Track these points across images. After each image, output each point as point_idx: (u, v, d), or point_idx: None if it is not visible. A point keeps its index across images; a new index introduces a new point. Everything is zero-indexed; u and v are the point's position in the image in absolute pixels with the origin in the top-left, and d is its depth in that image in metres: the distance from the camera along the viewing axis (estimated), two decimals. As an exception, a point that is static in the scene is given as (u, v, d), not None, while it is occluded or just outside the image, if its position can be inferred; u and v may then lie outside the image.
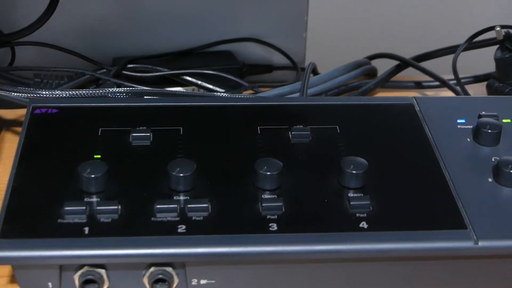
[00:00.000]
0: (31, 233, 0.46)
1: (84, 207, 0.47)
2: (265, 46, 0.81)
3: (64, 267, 0.47)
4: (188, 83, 0.74)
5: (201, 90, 0.74)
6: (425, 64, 0.78)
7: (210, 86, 0.73)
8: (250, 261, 0.48)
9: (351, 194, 0.50)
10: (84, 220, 0.47)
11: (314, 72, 0.79)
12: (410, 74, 0.80)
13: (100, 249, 0.46)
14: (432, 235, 0.48)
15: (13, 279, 0.51)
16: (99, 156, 0.52)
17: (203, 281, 0.49)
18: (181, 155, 0.52)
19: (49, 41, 0.75)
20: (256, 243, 0.47)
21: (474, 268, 0.50)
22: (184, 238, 0.47)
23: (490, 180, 0.52)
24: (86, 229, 0.47)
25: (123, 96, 0.64)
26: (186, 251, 0.46)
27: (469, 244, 0.48)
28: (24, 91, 0.62)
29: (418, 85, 0.80)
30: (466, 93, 0.74)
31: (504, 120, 0.58)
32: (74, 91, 0.63)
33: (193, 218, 0.48)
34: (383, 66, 0.81)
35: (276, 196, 0.50)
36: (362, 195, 0.50)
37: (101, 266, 0.47)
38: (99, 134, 0.54)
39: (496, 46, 0.74)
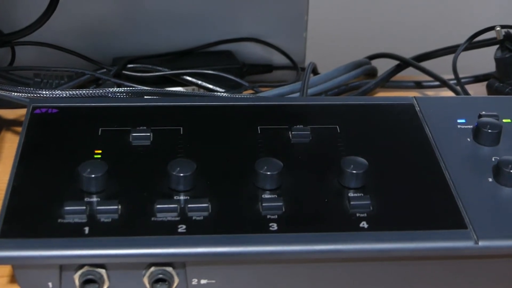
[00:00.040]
0: (31, 233, 0.46)
1: (84, 207, 0.47)
2: (265, 46, 0.81)
3: (64, 267, 0.47)
4: (188, 83, 0.74)
5: (201, 90, 0.74)
6: (425, 64, 0.78)
7: (210, 86, 0.73)
8: (250, 261, 0.48)
9: (351, 194, 0.50)
10: (84, 220, 0.47)
11: (314, 72, 0.79)
12: (410, 74, 0.80)
13: (100, 249, 0.46)
14: (432, 235, 0.48)
15: (13, 279, 0.51)
16: (99, 156, 0.52)
17: (203, 281, 0.49)
18: (181, 155, 0.52)
19: (49, 41, 0.75)
20: (256, 243, 0.47)
21: (474, 268, 0.50)
22: (184, 238, 0.47)
23: (490, 180, 0.52)
24: (86, 229, 0.47)
25: (123, 96, 0.64)
26: (186, 251, 0.46)
27: (469, 244, 0.48)
28: (24, 91, 0.62)
29: (418, 85, 0.80)
30: (466, 93, 0.74)
31: (504, 120, 0.58)
32: (74, 91, 0.63)
33: (193, 218, 0.48)
34: (383, 66, 0.81)
35: (276, 196, 0.50)
36: (362, 195, 0.50)
37: (101, 266, 0.47)
38: (99, 134, 0.54)
39: (496, 46, 0.74)
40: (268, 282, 0.49)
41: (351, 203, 0.49)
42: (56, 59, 0.75)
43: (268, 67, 0.82)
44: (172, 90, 0.71)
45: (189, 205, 0.48)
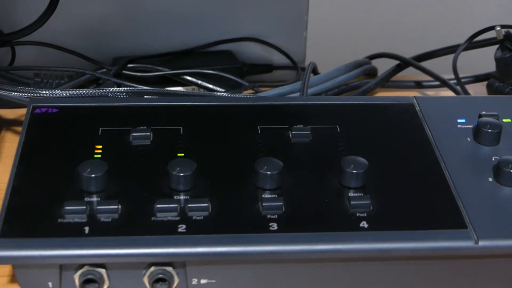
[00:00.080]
0: (31, 233, 0.46)
1: (84, 207, 0.47)
2: (265, 45, 0.81)
3: (64, 267, 0.47)
4: (188, 82, 0.74)
5: (201, 90, 0.74)
6: (425, 64, 0.78)
7: (210, 86, 0.73)
8: (251, 261, 0.48)
9: (351, 194, 0.50)
10: (84, 220, 0.47)
11: (314, 71, 0.79)
12: (410, 73, 0.80)
13: (100, 249, 0.46)
14: (433, 235, 0.48)
15: (13, 279, 0.51)
16: (99, 156, 0.52)
17: (203, 281, 0.49)
18: (181, 154, 0.52)
19: (49, 41, 0.75)
20: (257, 242, 0.47)
21: (474, 267, 0.50)
22: (184, 237, 0.47)
23: (490, 179, 0.52)
24: (86, 229, 0.47)
25: (123, 95, 0.64)
26: (186, 250, 0.46)
27: (469, 243, 0.48)
28: (24, 90, 0.62)
29: (419, 85, 0.80)
30: (466, 92, 0.74)
31: (504, 120, 0.58)
32: (74, 90, 0.63)
33: (193, 217, 0.48)
34: (383, 66, 0.81)
35: (276, 196, 0.50)
36: (362, 194, 0.50)
37: (101, 265, 0.47)
38: (99, 133, 0.54)
39: (496, 46, 0.74)
40: (268, 282, 0.49)
41: (351, 203, 0.49)
42: (56, 59, 0.75)
43: (268, 67, 0.82)
44: (172, 90, 0.71)
45: (189, 205, 0.48)
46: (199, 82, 0.74)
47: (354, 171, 0.50)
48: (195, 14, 0.79)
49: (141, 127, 0.54)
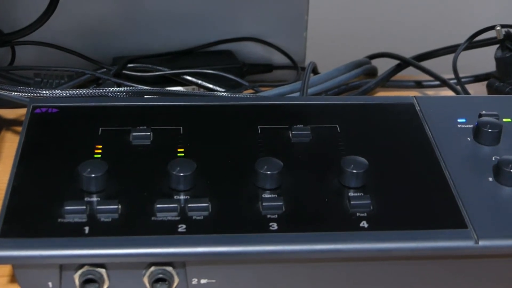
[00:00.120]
0: (31, 233, 0.46)
1: (84, 207, 0.47)
2: (265, 45, 0.81)
3: (64, 267, 0.47)
4: (188, 82, 0.74)
5: (201, 90, 0.74)
6: (425, 64, 0.78)
7: (210, 86, 0.73)
8: (251, 261, 0.48)
9: (351, 194, 0.50)
10: (84, 220, 0.47)
11: (314, 71, 0.79)
12: (410, 73, 0.80)
13: (100, 249, 0.46)
14: (433, 235, 0.48)
15: (13, 279, 0.51)
16: (99, 156, 0.52)
17: (203, 281, 0.49)
18: (181, 154, 0.52)
19: (49, 41, 0.75)
20: (257, 242, 0.47)
21: (474, 267, 0.50)
22: (184, 237, 0.47)
23: (490, 179, 0.52)
24: (86, 229, 0.47)
25: (123, 95, 0.64)
26: (186, 250, 0.46)
27: (469, 243, 0.48)
28: (24, 90, 0.62)
29: (419, 85, 0.80)
30: (466, 92, 0.74)
31: (504, 120, 0.57)
32: (74, 90, 0.63)
33: (193, 217, 0.48)
34: (383, 66, 0.81)
35: (276, 196, 0.50)
36: (362, 194, 0.50)
37: (101, 265, 0.47)
38: (99, 133, 0.54)
39: (497, 46, 0.74)
40: (268, 282, 0.49)
41: (351, 202, 0.49)
42: (56, 58, 0.75)
43: (268, 67, 0.82)
44: (172, 90, 0.71)
45: (189, 205, 0.48)
46: (199, 82, 0.74)
47: (354, 171, 0.50)
48: (195, 14, 0.79)
49: (141, 127, 0.54)
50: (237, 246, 0.47)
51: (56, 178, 0.50)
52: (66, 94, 0.62)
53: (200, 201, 0.48)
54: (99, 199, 0.48)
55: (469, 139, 0.56)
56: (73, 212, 0.47)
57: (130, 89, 0.65)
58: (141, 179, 0.50)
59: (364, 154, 0.52)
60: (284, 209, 0.49)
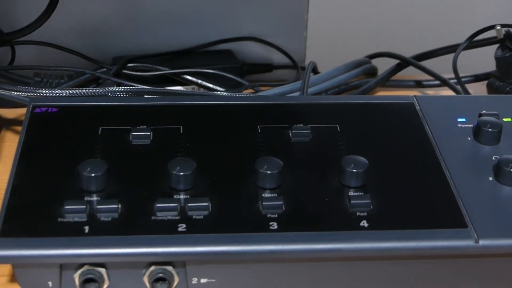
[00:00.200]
0: (31, 232, 0.46)
1: (84, 206, 0.47)
2: (265, 45, 0.81)
3: (64, 266, 0.47)
4: (188, 82, 0.74)
5: (201, 89, 0.74)
6: (425, 63, 0.78)
7: (210, 85, 0.73)
8: (251, 260, 0.48)
9: (351, 193, 0.50)
10: (84, 219, 0.47)
11: (315, 71, 0.79)
12: (410, 73, 0.80)
13: (100, 248, 0.46)
14: (433, 234, 0.48)
15: (13, 278, 0.51)
16: (99, 155, 0.52)
17: (203, 280, 0.49)
18: (182, 154, 0.52)
19: (49, 40, 0.75)
20: (257, 242, 0.47)
21: (474, 267, 0.50)
22: (184, 237, 0.47)
23: (490, 179, 0.52)
24: (86, 228, 0.47)
25: (123, 95, 0.64)
26: (186, 250, 0.46)
27: (469, 242, 0.48)
28: (24, 90, 0.62)
29: (419, 84, 0.80)
30: (466, 92, 0.74)
31: (504, 119, 0.57)
32: (74, 90, 0.63)
33: (193, 217, 0.48)
34: (383, 65, 0.80)
35: (276, 195, 0.50)
36: (362, 194, 0.50)
37: (101, 265, 0.47)
38: (99, 133, 0.54)
39: (497, 45, 0.74)
40: (268, 281, 0.49)
41: (352, 202, 0.49)
42: (56, 58, 0.75)
43: (268, 66, 0.82)
44: (172, 89, 0.71)
45: (189, 204, 0.48)
46: (199, 81, 0.74)
47: (354, 170, 0.50)
48: (195, 14, 0.79)
49: (141, 127, 0.54)
50: (237, 245, 0.47)
51: (56, 177, 0.50)
52: (66, 93, 0.62)
53: (200, 201, 0.48)
54: (99, 198, 0.48)
55: (469, 138, 0.56)
56: (73, 212, 0.47)
57: (130, 88, 0.65)
58: (141, 178, 0.50)
59: (364, 153, 0.52)
60: (284, 209, 0.49)
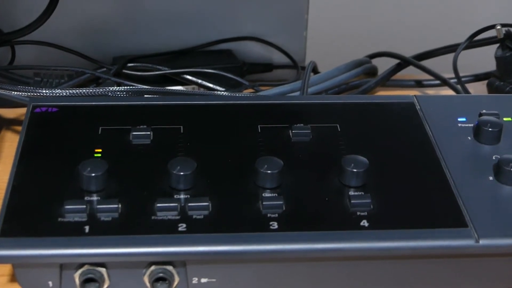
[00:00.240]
0: (31, 232, 0.46)
1: (84, 206, 0.47)
2: (265, 45, 0.81)
3: (65, 266, 0.47)
4: (188, 82, 0.74)
5: (202, 89, 0.74)
6: (425, 63, 0.78)
7: (211, 85, 0.73)
8: (251, 260, 0.48)
9: (351, 193, 0.50)
10: (85, 219, 0.47)
11: (315, 71, 0.79)
12: (410, 72, 0.80)
13: (100, 248, 0.46)
14: (433, 234, 0.48)
15: (13, 278, 0.51)
16: (100, 155, 0.52)
17: (203, 280, 0.48)
18: (182, 153, 0.52)
19: (49, 40, 0.75)
20: (257, 241, 0.47)
21: (475, 266, 0.50)
22: (184, 236, 0.47)
23: (491, 178, 0.52)
24: (87, 228, 0.47)
25: (123, 95, 0.64)
26: (186, 249, 0.46)
27: (470, 242, 0.48)
28: (24, 90, 0.62)
29: (419, 84, 0.80)
30: (466, 91, 0.74)
31: (504, 119, 0.57)
32: (74, 90, 0.63)
33: (194, 216, 0.48)
34: (383, 65, 0.80)
35: (276, 195, 0.50)
36: (362, 193, 0.50)
37: (102, 264, 0.47)
38: (99, 132, 0.54)
39: (497, 45, 0.74)
40: (269, 281, 0.49)
41: (352, 201, 0.49)
42: (56, 58, 0.75)
43: (268, 66, 0.82)
44: (172, 89, 0.71)
45: (190, 204, 0.48)
46: (199, 81, 0.74)
47: (355, 170, 0.50)
48: (195, 14, 0.79)
49: (141, 126, 0.54)
50: (237, 245, 0.47)
51: (56, 177, 0.50)
52: (66, 93, 0.62)
53: (200, 200, 0.48)
54: (99, 198, 0.48)
55: (469, 138, 0.56)
56: (73, 211, 0.47)
57: (130, 88, 0.65)
58: (141, 178, 0.50)
59: (364, 153, 0.52)
60: (284, 208, 0.49)
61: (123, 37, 0.78)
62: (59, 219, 0.47)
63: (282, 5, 0.80)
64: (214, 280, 0.49)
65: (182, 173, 0.49)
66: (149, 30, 0.79)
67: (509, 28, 0.73)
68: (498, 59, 0.74)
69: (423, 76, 0.79)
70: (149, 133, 0.54)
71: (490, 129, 0.55)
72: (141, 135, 0.54)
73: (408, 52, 0.79)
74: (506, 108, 0.58)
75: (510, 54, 0.73)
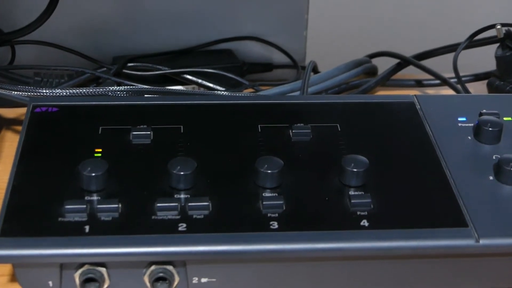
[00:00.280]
0: (31, 232, 0.46)
1: (84, 206, 0.47)
2: (265, 44, 0.81)
3: (65, 266, 0.47)
4: (188, 81, 0.74)
5: (202, 89, 0.74)
6: (425, 63, 0.78)
7: (211, 85, 0.73)
8: (251, 260, 0.48)
9: (352, 192, 0.50)
10: (85, 219, 0.47)
11: (315, 70, 0.79)
12: (410, 72, 0.80)
13: (100, 248, 0.46)
14: (433, 233, 0.48)
15: (13, 278, 0.51)
16: (100, 155, 0.52)
17: (204, 280, 0.48)
18: (182, 153, 0.52)
19: (49, 40, 0.75)
20: (257, 241, 0.47)
21: (475, 266, 0.50)
22: (184, 236, 0.47)
23: (491, 178, 0.52)
24: (87, 228, 0.47)
25: (124, 94, 0.64)
26: (186, 249, 0.46)
27: (470, 242, 0.48)
28: (24, 89, 0.62)
29: (419, 83, 0.80)
30: (466, 91, 0.74)
31: (505, 118, 0.57)
32: (74, 89, 0.63)
33: (194, 216, 0.48)
34: (383, 65, 0.80)
35: (276, 194, 0.49)
36: (363, 193, 0.50)
37: (102, 264, 0.47)
38: (100, 132, 0.54)
39: (497, 44, 0.74)
40: (269, 281, 0.49)
41: (352, 201, 0.49)
42: (56, 58, 0.75)
43: (269, 66, 0.82)
44: (172, 89, 0.71)
45: (190, 204, 0.48)
46: (200, 81, 0.74)
47: (355, 170, 0.50)
48: (195, 13, 0.79)
49: (141, 126, 0.54)
50: (237, 245, 0.47)
51: (56, 177, 0.50)
52: (66, 93, 0.62)
53: (201, 200, 0.48)
54: (99, 198, 0.48)
55: (469, 137, 0.56)
56: (74, 211, 0.47)
57: (130, 88, 0.65)
58: (141, 178, 0.50)
59: (364, 152, 0.52)
60: (284, 208, 0.49)
61: (123, 37, 0.78)
62: (59, 219, 0.47)
63: (282, 5, 0.80)
64: (214, 280, 0.49)
65: (182, 173, 0.49)
66: (149, 30, 0.79)
67: (509, 27, 0.73)
68: (498, 58, 0.74)
69: (423, 75, 0.79)
70: (149, 133, 0.54)
71: (490, 129, 0.55)
72: (141, 135, 0.54)
73: (408, 51, 0.79)
74: (506, 107, 0.58)
75: (510, 53, 0.73)
